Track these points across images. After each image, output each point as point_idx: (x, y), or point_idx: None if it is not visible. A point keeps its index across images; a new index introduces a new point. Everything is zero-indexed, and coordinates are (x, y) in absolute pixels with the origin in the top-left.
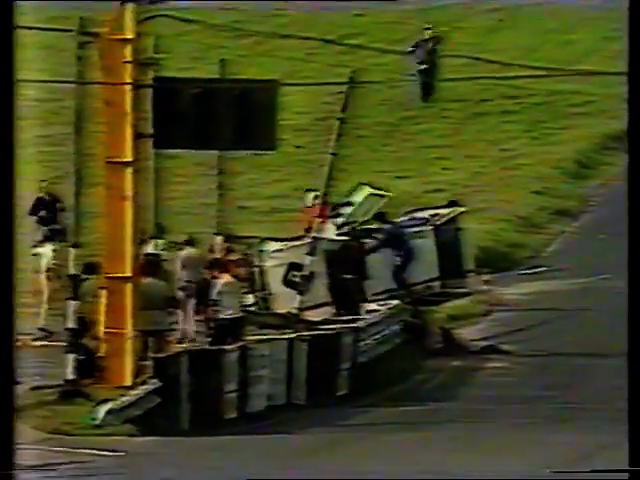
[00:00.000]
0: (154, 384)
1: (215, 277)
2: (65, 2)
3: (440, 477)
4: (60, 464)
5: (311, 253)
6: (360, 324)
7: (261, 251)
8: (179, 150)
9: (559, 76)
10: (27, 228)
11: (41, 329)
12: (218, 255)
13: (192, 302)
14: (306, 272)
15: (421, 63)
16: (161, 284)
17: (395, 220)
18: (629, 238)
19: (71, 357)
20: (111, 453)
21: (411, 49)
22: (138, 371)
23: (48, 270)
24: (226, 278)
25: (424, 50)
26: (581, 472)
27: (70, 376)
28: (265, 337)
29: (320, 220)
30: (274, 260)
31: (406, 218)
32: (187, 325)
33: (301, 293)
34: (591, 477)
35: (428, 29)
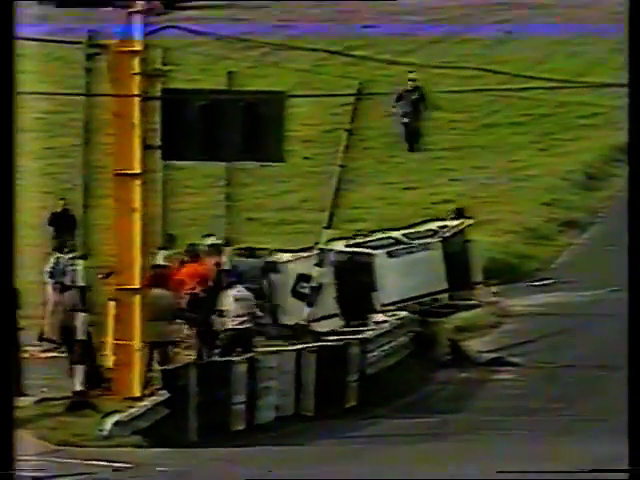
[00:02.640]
0: (162, 395)
1: (225, 288)
2: (73, 14)
3: None
4: (67, 475)
5: (319, 264)
6: (368, 335)
7: (269, 262)
8: (187, 162)
9: (567, 88)
10: (36, 240)
11: (47, 340)
12: (227, 266)
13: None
14: (314, 283)
15: (405, 115)
16: (168, 295)
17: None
18: (629, 249)
19: (79, 368)
20: (119, 465)
21: (394, 104)
22: (146, 382)
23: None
24: (237, 289)
25: (408, 101)
26: (581, 472)
27: (78, 387)
28: (273, 348)
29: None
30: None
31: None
32: None
33: (309, 304)
34: (591, 477)
35: (412, 80)
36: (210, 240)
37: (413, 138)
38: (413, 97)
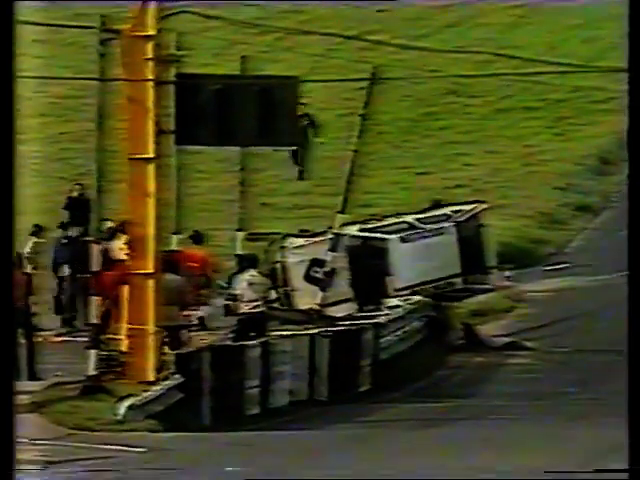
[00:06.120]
0: (176, 380)
1: (238, 272)
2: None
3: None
4: (82, 459)
5: (333, 249)
6: (382, 320)
7: (283, 247)
8: (201, 146)
9: (581, 72)
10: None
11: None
12: (240, 251)
13: None
14: (328, 268)
15: None
16: (178, 279)
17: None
18: (629, 237)
19: (93, 353)
20: (133, 449)
21: None
22: (160, 367)
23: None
24: (251, 273)
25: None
26: (581, 472)
27: (92, 372)
28: (287, 333)
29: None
30: (296, 256)
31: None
32: None
33: (323, 289)
34: (592, 477)
35: (302, 104)
36: (108, 224)
37: (301, 164)
38: (302, 123)
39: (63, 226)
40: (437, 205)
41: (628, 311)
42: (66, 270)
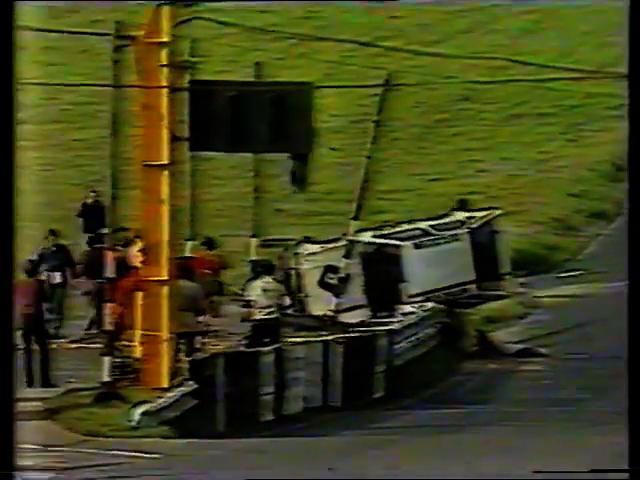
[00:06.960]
0: (190, 386)
1: (252, 279)
2: (101, 6)
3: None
4: (96, 465)
5: (347, 255)
6: (396, 326)
7: (297, 253)
8: (215, 153)
9: (595, 78)
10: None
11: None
12: (254, 257)
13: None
14: (342, 274)
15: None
16: (192, 286)
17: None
18: (629, 239)
19: (107, 359)
20: (147, 455)
21: None
22: (174, 373)
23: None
24: (265, 279)
25: None
26: (581, 472)
27: (106, 378)
28: (301, 339)
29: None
30: (310, 262)
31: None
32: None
33: (337, 295)
34: (592, 477)
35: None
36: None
37: (295, 175)
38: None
39: (53, 232)
40: (462, 207)
41: (628, 318)
42: (57, 277)
